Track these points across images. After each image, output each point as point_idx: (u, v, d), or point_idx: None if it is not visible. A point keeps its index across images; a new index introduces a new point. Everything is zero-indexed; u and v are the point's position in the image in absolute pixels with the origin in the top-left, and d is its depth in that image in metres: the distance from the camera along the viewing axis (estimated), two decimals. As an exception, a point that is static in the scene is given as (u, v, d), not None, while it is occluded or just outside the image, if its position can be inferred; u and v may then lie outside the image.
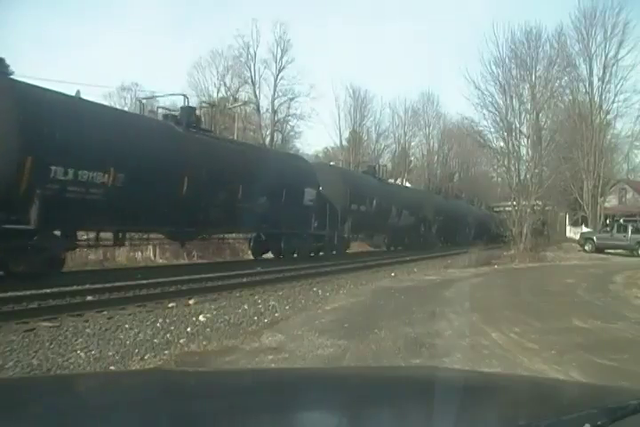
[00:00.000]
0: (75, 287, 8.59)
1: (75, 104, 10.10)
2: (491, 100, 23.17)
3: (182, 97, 14.29)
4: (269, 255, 17.17)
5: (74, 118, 9.54)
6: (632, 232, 24.62)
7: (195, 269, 11.73)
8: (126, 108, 32.50)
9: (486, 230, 31.82)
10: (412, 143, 48.85)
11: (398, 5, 78.95)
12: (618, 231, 25.26)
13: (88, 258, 13.17)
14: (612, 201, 34.75)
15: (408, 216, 25.04)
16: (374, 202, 21.22)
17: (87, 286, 8.68)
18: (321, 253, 18.23)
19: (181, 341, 5.69)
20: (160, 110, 14.90)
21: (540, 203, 23.93)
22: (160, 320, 6.70)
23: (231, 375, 1.90)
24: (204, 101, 20.82)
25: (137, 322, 6.60)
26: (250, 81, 38.47)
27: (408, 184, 39.09)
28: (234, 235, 17.62)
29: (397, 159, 46.42)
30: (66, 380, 1.90)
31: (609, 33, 30.01)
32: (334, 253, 18.58)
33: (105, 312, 7.13)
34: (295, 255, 16.61)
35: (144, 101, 17.05)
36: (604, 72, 30.42)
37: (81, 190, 9.51)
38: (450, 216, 30.34)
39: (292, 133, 41.86)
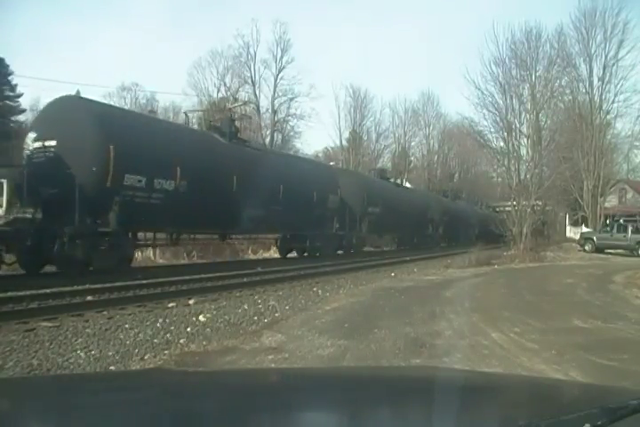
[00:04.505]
0: (75, 287, 8.60)
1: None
2: (491, 100, 23.17)
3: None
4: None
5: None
6: (632, 232, 24.60)
7: (195, 270, 11.73)
8: (126, 108, 32.49)
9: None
10: (412, 143, 49.04)
11: (398, 5, 78.99)
12: (618, 231, 25.24)
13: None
14: (612, 201, 34.71)
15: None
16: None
17: (87, 286, 8.68)
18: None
19: (181, 341, 5.68)
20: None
21: (540, 203, 23.91)
22: (160, 320, 6.70)
23: (231, 375, 1.90)
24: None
25: (137, 322, 6.59)
26: (250, 81, 38.55)
27: (408, 184, 39.07)
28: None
29: (397, 159, 46.47)
30: (66, 380, 1.90)
31: (609, 33, 30.07)
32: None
33: (105, 312, 7.13)
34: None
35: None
36: (603, 72, 30.48)
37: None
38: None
39: (291, 133, 41.93)
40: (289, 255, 18.35)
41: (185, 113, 18.67)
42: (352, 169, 30.73)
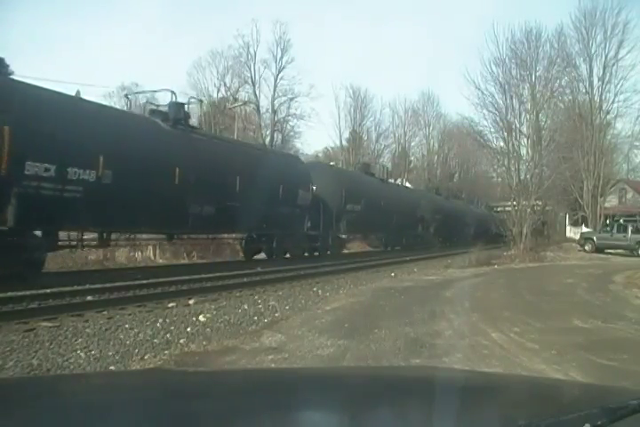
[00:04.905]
0: (75, 287, 8.59)
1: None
2: (491, 100, 23.24)
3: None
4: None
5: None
6: (632, 232, 24.61)
7: (195, 270, 11.73)
8: (126, 109, 32.52)
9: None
10: (412, 143, 49.08)
11: (398, 5, 79.01)
12: (618, 231, 25.25)
13: (88, 258, 13.16)
14: (612, 201, 34.72)
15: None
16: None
17: (87, 286, 8.68)
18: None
19: (181, 341, 5.68)
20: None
21: (540, 203, 23.93)
22: (160, 320, 6.70)
23: (231, 375, 1.90)
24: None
25: (137, 322, 6.59)
26: (250, 81, 38.52)
27: (408, 184, 39.07)
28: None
29: (397, 159, 46.50)
30: (66, 380, 1.90)
31: (609, 33, 30.09)
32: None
33: (105, 312, 7.12)
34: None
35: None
36: (603, 72, 30.50)
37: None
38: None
39: (291, 133, 41.96)
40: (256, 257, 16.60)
41: (126, 95, 16.66)
42: (327, 163, 28.79)
